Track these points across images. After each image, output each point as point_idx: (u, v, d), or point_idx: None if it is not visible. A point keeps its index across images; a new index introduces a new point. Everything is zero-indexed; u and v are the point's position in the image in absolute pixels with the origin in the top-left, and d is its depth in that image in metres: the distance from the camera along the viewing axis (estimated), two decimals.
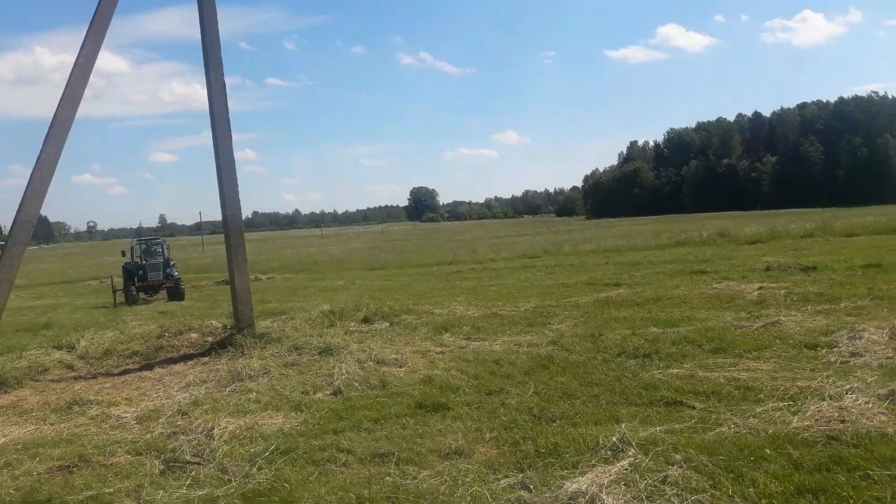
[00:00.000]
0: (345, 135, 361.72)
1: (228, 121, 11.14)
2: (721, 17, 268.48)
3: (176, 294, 24.27)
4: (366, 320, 13.18)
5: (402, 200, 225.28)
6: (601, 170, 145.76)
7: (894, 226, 30.54)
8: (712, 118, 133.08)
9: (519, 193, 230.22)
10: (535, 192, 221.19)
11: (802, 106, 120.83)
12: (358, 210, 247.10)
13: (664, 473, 4.69)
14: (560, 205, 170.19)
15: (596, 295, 15.32)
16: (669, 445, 5.29)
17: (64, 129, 9.78)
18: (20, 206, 9.67)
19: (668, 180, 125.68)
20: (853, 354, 7.84)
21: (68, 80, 9.83)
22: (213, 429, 6.57)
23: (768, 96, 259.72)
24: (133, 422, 7.26)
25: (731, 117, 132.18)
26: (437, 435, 6.09)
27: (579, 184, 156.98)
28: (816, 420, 5.65)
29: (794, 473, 4.66)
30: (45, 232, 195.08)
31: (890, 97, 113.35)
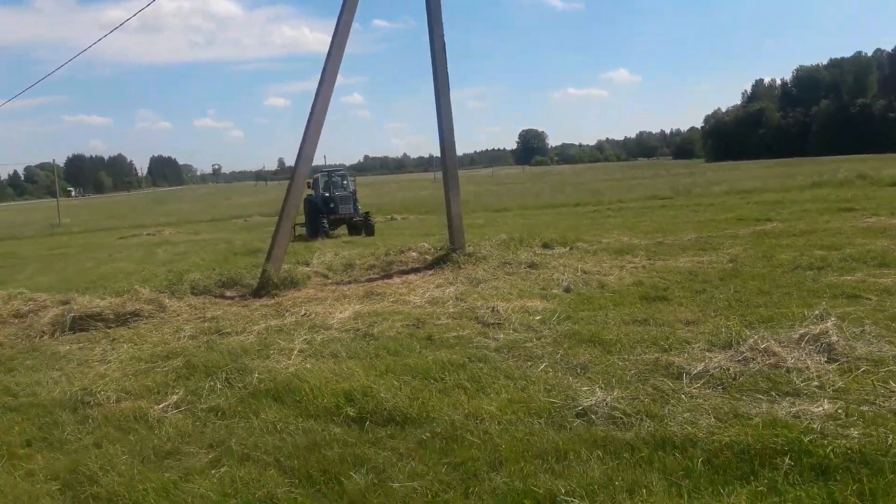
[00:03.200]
0: (451, 76, 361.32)
1: (447, 74, 13.63)
2: None
3: (367, 228, 24.37)
4: (545, 246, 15.57)
5: (510, 143, 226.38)
6: (723, 109, 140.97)
7: None
8: (847, 54, 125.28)
9: (632, 135, 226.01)
10: (650, 134, 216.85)
11: None
12: (465, 154, 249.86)
13: (862, 327, 6.86)
14: (677, 146, 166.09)
15: (752, 228, 17.11)
16: (858, 318, 7.41)
17: (329, 85, 12.55)
18: (301, 146, 12.54)
19: (796, 121, 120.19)
20: None
21: (332, 43, 12.53)
22: (495, 308, 9.23)
23: None
24: (426, 304, 10.07)
25: (868, 51, 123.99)
26: (670, 313, 8.45)
27: (696, 125, 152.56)
28: None
29: None
30: (175, 174, 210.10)
31: None
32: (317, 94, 12.49)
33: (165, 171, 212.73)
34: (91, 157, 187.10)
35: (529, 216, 29.97)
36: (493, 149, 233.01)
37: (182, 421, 5.59)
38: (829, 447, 4.10)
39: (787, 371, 5.73)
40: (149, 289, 11.10)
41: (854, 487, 3.65)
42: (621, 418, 4.87)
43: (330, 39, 12.58)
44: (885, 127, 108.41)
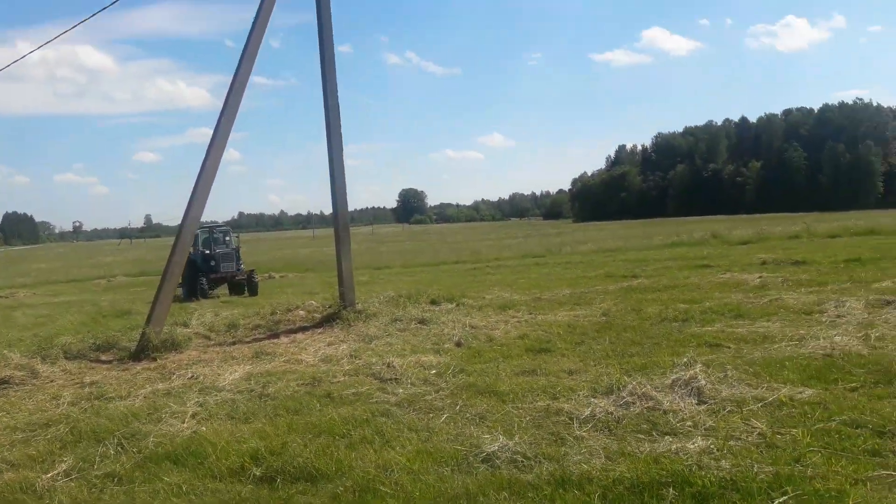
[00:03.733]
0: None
1: (341, 135, 14.01)
2: (705, 20, 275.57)
3: (251, 287, 23.45)
4: (433, 302, 16.01)
5: (389, 202, 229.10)
6: (589, 173, 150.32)
7: (872, 228, 34.21)
8: (700, 122, 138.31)
9: (506, 196, 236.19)
10: (522, 195, 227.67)
11: (788, 112, 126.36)
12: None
13: (725, 372, 7.68)
14: (547, 208, 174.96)
15: (619, 283, 18.40)
16: (721, 364, 8.27)
17: (221, 143, 12.56)
18: (189, 204, 12.38)
19: (655, 184, 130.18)
20: (838, 316, 10.95)
21: (227, 98, 12.60)
22: (391, 363, 9.46)
23: (754, 101, 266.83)
24: (320, 362, 10.13)
25: (718, 121, 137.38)
26: (555, 364, 9.03)
27: (565, 187, 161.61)
28: (815, 347, 8.71)
29: (804, 372, 7.68)
30: (30, 231, 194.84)
31: (874, 104, 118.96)
32: (207, 153, 12.45)
33: (20, 228, 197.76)
34: None
35: (412, 273, 30.48)
36: (374, 206, 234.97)
37: (75, 489, 5.40)
38: (706, 477, 4.65)
39: (664, 413, 6.35)
40: (18, 354, 10.44)
41: None
42: (522, 461, 5.23)
43: (225, 96, 12.66)
44: (734, 190, 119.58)
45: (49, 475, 5.71)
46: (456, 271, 30.09)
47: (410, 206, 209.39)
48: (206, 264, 23.65)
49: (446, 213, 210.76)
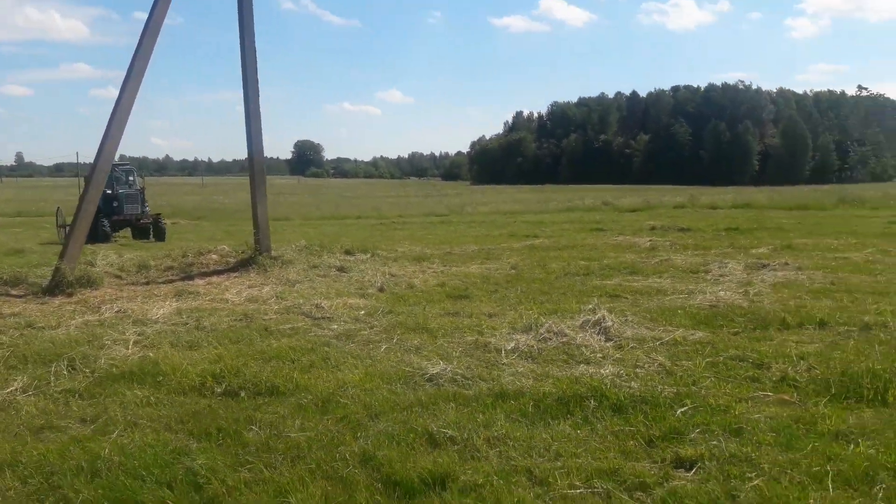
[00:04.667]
0: (217, 79, 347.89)
1: (257, 79, 14.06)
2: None
3: (157, 232, 22.50)
4: (348, 252, 16.45)
5: (283, 153, 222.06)
6: (487, 137, 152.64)
7: (748, 202, 37.43)
8: (593, 94, 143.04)
9: (405, 154, 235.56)
10: (422, 155, 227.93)
11: (676, 89, 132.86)
12: (235, 160, 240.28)
13: (626, 317, 8.74)
14: (446, 168, 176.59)
15: (523, 242, 19.54)
16: (621, 311, 9.35)
17: (137, 79, 12.39)
18: (102, 141, 12.18)
19: (549, 152, 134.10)
20: (721, 276, 12.38)
21: (140, 39, 12.41)
22: (319, 304, 9.96)
23: (644, 76, 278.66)
24: (246, 302, 10.47)
25: (610, 94, 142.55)
26: (475, 308, 9.83)
27: (463, 149, 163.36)
28: (702, 300, 9.98)
29: (694, 319, 8.85)
30: None
31: (753, 87, 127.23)
32: (122, 89, 12.26)
33: None
34: None
35: (315, 226, 30.54)
36: (267, 157, 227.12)
37: (39, 403, 5.68)
38: (620, 393, 5.57)
39: (577, 346, 7.28)
40: None
41: (640, 417, 5.10)
42: (462, 381, 5.99)
43: (142, 29, 12.43)
44: (623, 161, 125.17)
45: (7, 391, 5.94)
46: (360, 226, 30.46)
47: (306, 159, 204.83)
48: (108, 205, 22.06)
49: (344, 168, 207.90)
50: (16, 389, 6.00)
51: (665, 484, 4.02)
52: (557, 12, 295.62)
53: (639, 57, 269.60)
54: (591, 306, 9.23)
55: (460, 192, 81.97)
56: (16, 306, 10.02)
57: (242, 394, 5.74)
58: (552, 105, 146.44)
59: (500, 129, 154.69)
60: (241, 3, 13.68)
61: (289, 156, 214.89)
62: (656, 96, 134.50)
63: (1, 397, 5.81)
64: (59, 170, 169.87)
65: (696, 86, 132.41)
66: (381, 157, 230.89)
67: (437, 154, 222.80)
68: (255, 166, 14.51)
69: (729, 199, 40.29)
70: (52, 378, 6.28)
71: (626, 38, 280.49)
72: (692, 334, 7.86)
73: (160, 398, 5.67)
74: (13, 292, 11.35)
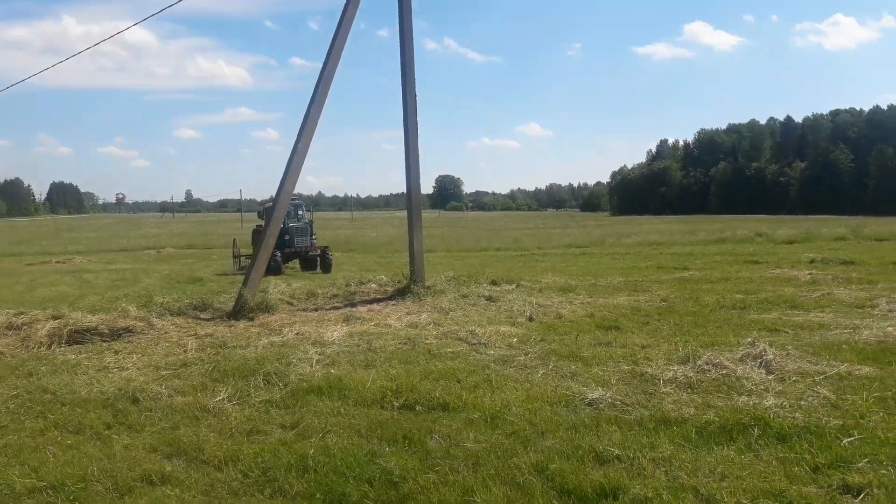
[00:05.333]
0: (366, 119, 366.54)
1: (416, 122, 15.07)
2: (750, 16, 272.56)
3: (324, 264, 23.22)
4: (494, 283, 17.07)
5: (425, 188, 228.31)
6: (629, 167, 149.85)
7: None
8: (743, 120, 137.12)
9: (542, 186, 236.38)
10: (559, 186, 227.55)
11: (835, 113, 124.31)
12: (381, 195, 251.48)
13: (787, 351, 8.60)
14: (584, 199, 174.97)
15: (672, 275, 19.26)
16: (782, 345, 9.17)
17: (314, 122, 13.71)
18: (284, 177, 13.56)
19: (697, 180, 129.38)
20: (889, 311, 11.76)
21: (315, 88, 13.74)
22: (473, 331, 10.52)
23: (799, 100, 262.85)
24: (407, 327, 11.22)
25: (762, 120, 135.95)
26: (627, 339, 10.00)
27: (602, 179, 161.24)
28: (869, 336, 9.58)
29: (860, 354, 8.56)
30: (76, 202, 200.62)
31: None
32: (300, 134, 13.62)
33: (66, 198, 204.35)
34: None
35: (459, 258, 31.46)
36: None
37: (243, 411, 6.57)
38: (784, 423, 5.64)
39: (738, 379, 7.31)
40: (134, 308, 11.73)
41: (805, 445, 5.17)
42: (622, 406, 6.27)
43: (319, 72, 13.79)
44: (777, 189, 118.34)
45: (216, 399, 6.90)
46: (502, 257, 31.06)
47: (447, 193, 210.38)
48: (280, 238, 22.54)
49: (482, 201, 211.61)
50: (223, 399, 6.94)
51: None
52: (703, 37, 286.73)
53: (793, 80, 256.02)
54: (749, 340, 9.16)
55: (600, 223, 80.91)
56: (208, 328, 11.34)
57: (418, 408, 6.34)
58: (699, 132, 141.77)
59: (642, 159, 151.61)
60: (404, 54, 14.79)
61: (430, 190, 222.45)
62: (813, 121, 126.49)
63: (212, 404, 6.76)
64: (222, 205, 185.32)
65: (858, 108, 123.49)
66: (519, 189, 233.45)
67: (574, 185, 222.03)
68: (412, 201, 15.48)
69: None
70: (252, 390, 7.19)
71: (778, 62, 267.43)
72: (858, 369, 7.66)
73: (347, 409, 6.38)
74: (202, 316, 12.79)
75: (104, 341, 10.27)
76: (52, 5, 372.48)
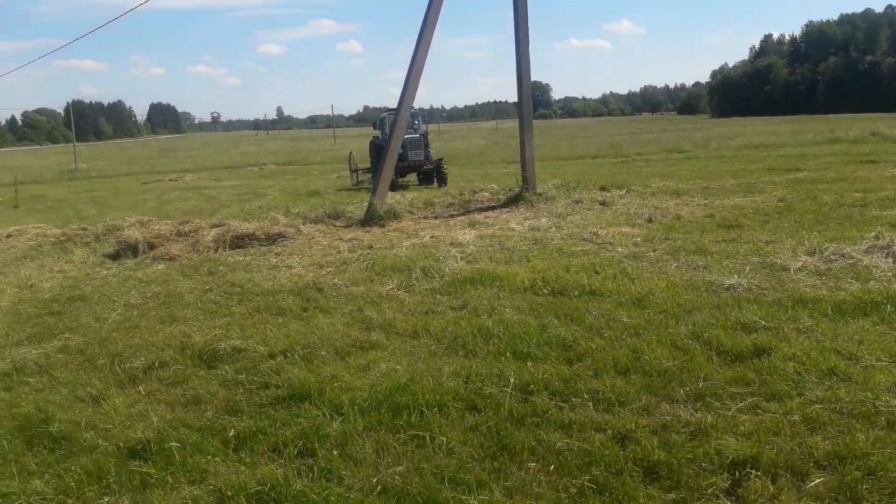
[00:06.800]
0: (447, 24, 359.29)
1: (528, 27, 15.43)
2: None
3: (440, 177, 22.87)
4: (603, 189, 17.56)
5: (510, 95, 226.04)
6: (730, 65, 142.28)
7: None
8: (857, 9, 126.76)
9: (636, 89, 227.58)
10: (654, 88, 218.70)
11: None
12: (466, 106, 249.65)
13: None
14: (682, 101, 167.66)
15: (785, 176, 19.17)
16: None
17: (431, 28, 14.33)
18: (402, 93, 14.39)
19: (804, 77, 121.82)
20: None
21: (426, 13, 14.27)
22: (596, 232, 11.26)
23: None
24: (529, 231, 12.07)
25: (878, 8, 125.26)
26: (750, 235, 10.45)
27: (701, 79, 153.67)
28: None
29: None
30: (174, 121, 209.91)
31: None
32: (419, 40, 14.32)
33: (164, 118, 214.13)
34: (90, 102, 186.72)
35: (556, 167, 31.68)
36: (495, 101, 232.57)
37: (413, 297, 7.65)
38: None
39: (865, 267, 7.83)
40: (283, 216, 13.06)
41: None
42: (759, 290, 6.97)
43: None
44: (895, 85, 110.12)
45: (387, 289, 8.02)
46: (602, 164, 31.18)
47: (535, 100, 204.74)
48: None
49: (572, 107, 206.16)
50: (393, 288, 8.07)
51: None
52: None
53: None
54: (873, 234, 9.53)
55: (700, 125, 78.25)
56: (349, 233, 12.56)
57: (568, 293, 7.24)
58: (807, 25, 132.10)
59: (744, 56, 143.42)
60: None
61: (516, 98, 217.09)
62: None
63: (385, 292, 7.89)
64: (312, 122, 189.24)
65: None
66: (611, 93, 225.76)
67: (671, 87, 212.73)
68: (523, 108, 16.07)
69: None
70: (414, 282, 8.28)
71: None
72: None
73: (504, 295, 7.36)
74: (337, 223, 14.04)
75: (262, 245, 11.63)
76: None
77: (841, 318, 5.92)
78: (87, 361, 6.42)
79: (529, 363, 5.24)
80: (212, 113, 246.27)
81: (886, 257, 8.25)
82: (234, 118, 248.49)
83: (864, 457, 3.65)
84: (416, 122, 24.26)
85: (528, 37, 15.54)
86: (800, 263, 8.03)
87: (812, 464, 3.67)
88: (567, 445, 3.98)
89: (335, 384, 5.22)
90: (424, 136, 24.14)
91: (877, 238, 9.19)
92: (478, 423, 4.36)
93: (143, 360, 6.20)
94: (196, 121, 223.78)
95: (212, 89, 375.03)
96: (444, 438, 4.15)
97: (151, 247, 11.56)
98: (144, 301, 8.51)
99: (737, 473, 3.60)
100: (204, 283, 9.28)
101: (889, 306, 6.11)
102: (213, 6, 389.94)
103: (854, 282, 7.24)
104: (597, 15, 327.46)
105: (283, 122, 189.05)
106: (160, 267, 10.52)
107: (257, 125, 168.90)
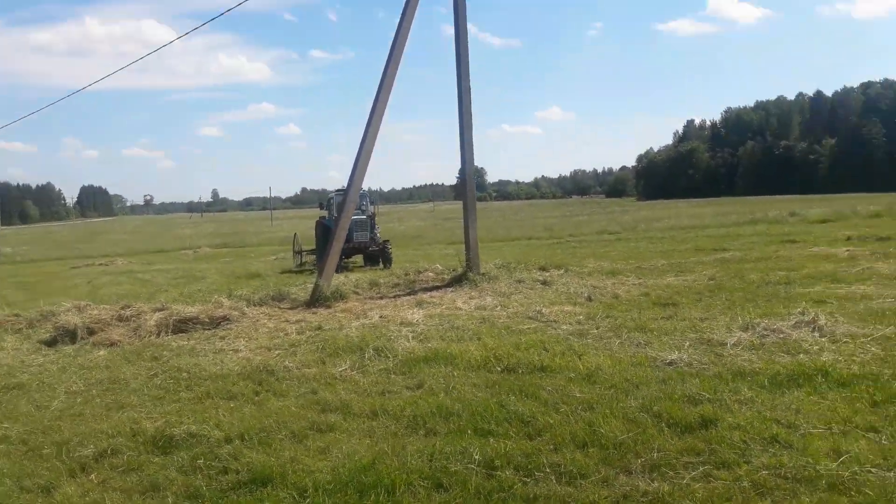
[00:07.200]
0: (387, 109, 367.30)
1: (471, 113, 16.16)
2: None
3: (385, 259, 22.87)
4: (542, 269, 18.11)
5: (447, 178, 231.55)
6: (655, 149, 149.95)
7: None
8: (771, 96, 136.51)
9: (566, 172, 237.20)
10: (584, 172, 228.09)
11: (867, 85, 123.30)
12: (403, 188, 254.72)
13: (835, 318, 9.60)
14: (610, 185, 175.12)
15: (712, 256, 20.19)
16: (830, 313, 10.15)
17: (379, 116, 14.84)
18: (352, 172, 14.74)
19: (724, 161, 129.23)
20: None
21: (377, 93, 14.88)
22: (540, 311, 11.62)
23: (829, 73, 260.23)
24: (476, 310, 12.34)
25: (790, 95, 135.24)
26: (686, 313, 11.00)
27: (628, 163, 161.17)
28: None
29: None
30: (105, 204, 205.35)
31: None
32: (368, 124, 14.81)
33: (95, 201, 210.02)
34: (18, 185, 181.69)
35: (495, 248, 32.37)
36: (432, 183, 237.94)
37: (366, 378, 7.74)
38: (842, 372, 6.70)
39: (795, 341, 8.36)
40: (227, 299, 12.99)
41: (864, 388, 6.23)
42: (699, 365, 7.36)
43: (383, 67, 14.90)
44: (807, 168, 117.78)
45: (339, 370, 8.09)
46: (538, 245, 32.09)
47: None
48: None
49: (506, 190, 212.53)
50: (346, 369, 8.14)
51: (892, 427, 5.20)
52: (727, 11, 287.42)
53: (821, 52, 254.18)
54: (799, 310, 10.17)
55: (627, 208, 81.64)
56: (295, 315, 12.57)
57: (520, 370, 7.48)
58: (726, 111, 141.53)
59: (667, 140, 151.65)
60: (459, 49, 15.87)
61: (453, 181, 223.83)
62: (844, 95, 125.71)
63: (338, 373, 7.96)
64: (248, 203, 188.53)
65: (892, 79, 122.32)
66: (543, 176, 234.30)
67: (599, 171, 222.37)
68: (468, 193, 16.61)
69: None
70: (367, 362, 8.38)
71: (805, 33, 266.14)
72: None
73: (458, 373, 7.53)
74: (281, 305, 14.02)
75: (206, 329, 11.51)
76: (75, 7, 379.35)
77: (777, 389, 6.32)
78: (30, 451, 6.24)
79: (491, 439, 5.40)
80: (144, 196, 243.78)
81: (813, 332, 8.83)
82: (167, 201, 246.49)
83: None
84: (364, 203, 24.26)
85: (471, 125, 16.25)
86: (735, 339, 8.51)
87: None
88: None
89: (297, 467, 5.24)
90: (371, 217, 24.27)
91: (802, 314, 9.80)
92: (446, 500, 4.47)
93: (92, 447, 6.06)
94: (128, 203, 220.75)
95: (146, 172, 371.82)
96: None
97: (91, 332, 11.30)
98: (87, 388, 8.31)
99: None
100: (149, 368, 9.13)
101: (819, 377, 6.56)
102: (152, 88, 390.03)
103: (786, 355, 7.72)
104: (528, 103, 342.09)
105: (218, 205, 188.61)
106: (101, 353, 10.28)
107: (191, 207, 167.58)
